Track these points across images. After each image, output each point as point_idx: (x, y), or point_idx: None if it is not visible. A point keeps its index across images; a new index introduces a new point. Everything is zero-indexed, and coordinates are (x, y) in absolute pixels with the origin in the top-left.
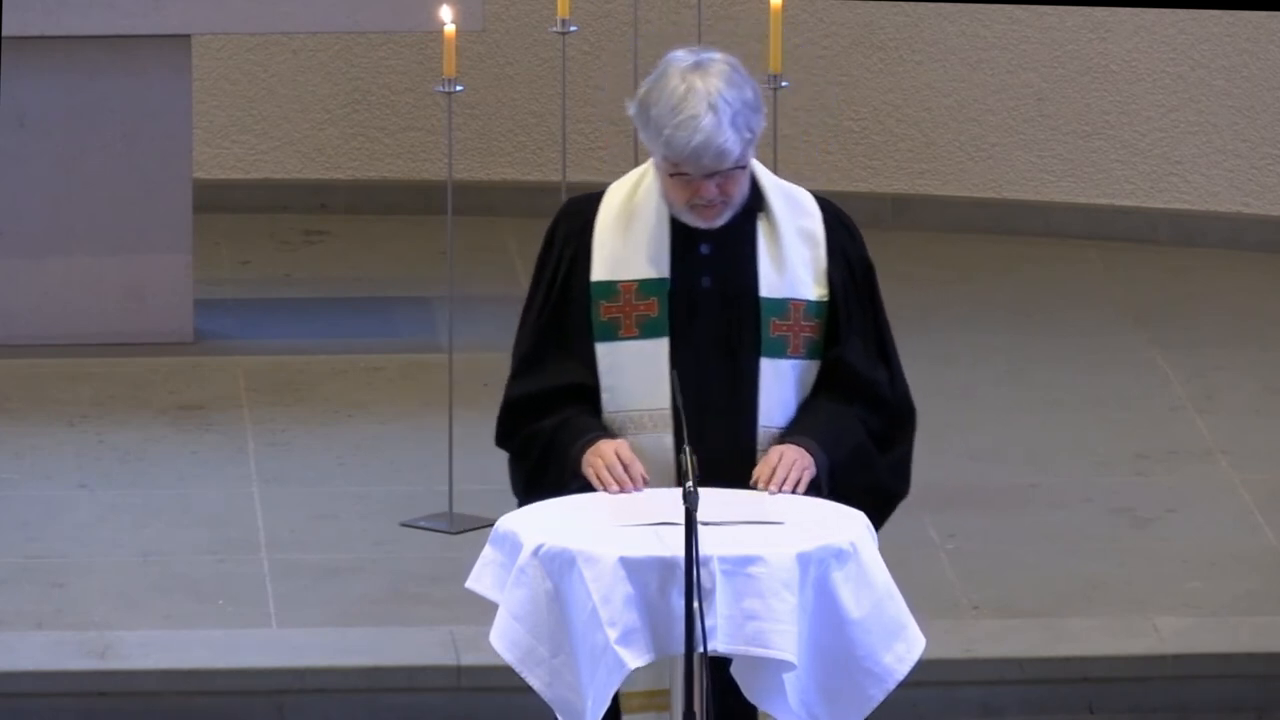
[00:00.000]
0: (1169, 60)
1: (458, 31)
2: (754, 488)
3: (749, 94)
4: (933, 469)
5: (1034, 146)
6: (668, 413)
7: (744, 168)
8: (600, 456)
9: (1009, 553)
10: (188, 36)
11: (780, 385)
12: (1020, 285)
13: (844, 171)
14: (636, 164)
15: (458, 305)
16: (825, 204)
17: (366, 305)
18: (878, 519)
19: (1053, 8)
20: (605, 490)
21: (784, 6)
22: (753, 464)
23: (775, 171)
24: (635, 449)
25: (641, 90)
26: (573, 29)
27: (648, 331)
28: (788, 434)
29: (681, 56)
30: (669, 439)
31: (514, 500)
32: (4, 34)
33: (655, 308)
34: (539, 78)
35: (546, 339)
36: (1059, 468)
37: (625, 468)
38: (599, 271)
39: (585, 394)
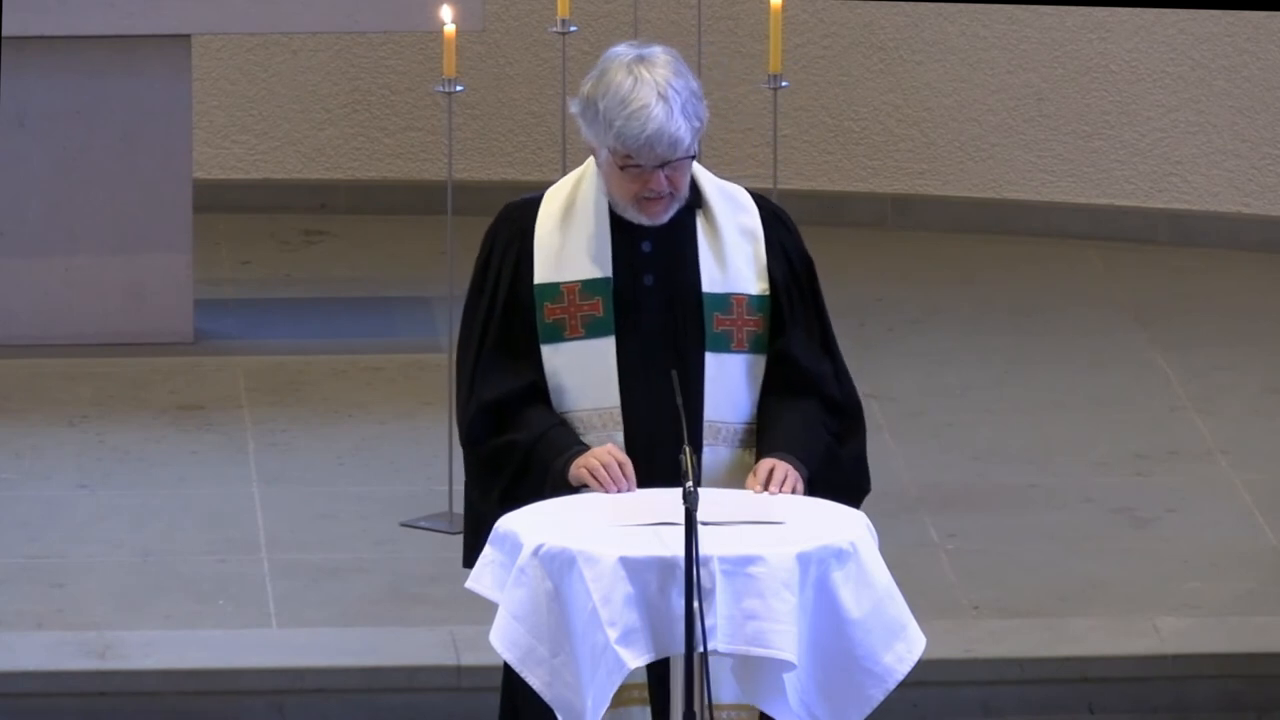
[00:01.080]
0: (1169, 60)
1: (458, 31)
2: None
3: (694, 84)
4: (933, 469)
5: (1034, 146)
6: (617, 412)
7: (692, 158)
8: (595, 457)
9: (1009, 553)
10: (188, 36)
11: (725, 379)
12: (1020, 285)
13: (844, 171)
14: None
15: (458, 305)
16: (761, 200)
17: (366, 305)
18: None
19: (1053, 8)
20: (604, 490)
21: (784, 6)
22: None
23: (776, 172)
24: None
25: (585, 86)
26: (573, 29)
27: (593, 331)
28: (763, 447)
29: (622, 51)
30: (620, 437)
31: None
32: (4, 34)
33: (600, 307)
34: (539, 78)
35: (496, 341)
36: (1059, 468)
37: (621, 468)
38: (541, 274)
39: (545, 394)
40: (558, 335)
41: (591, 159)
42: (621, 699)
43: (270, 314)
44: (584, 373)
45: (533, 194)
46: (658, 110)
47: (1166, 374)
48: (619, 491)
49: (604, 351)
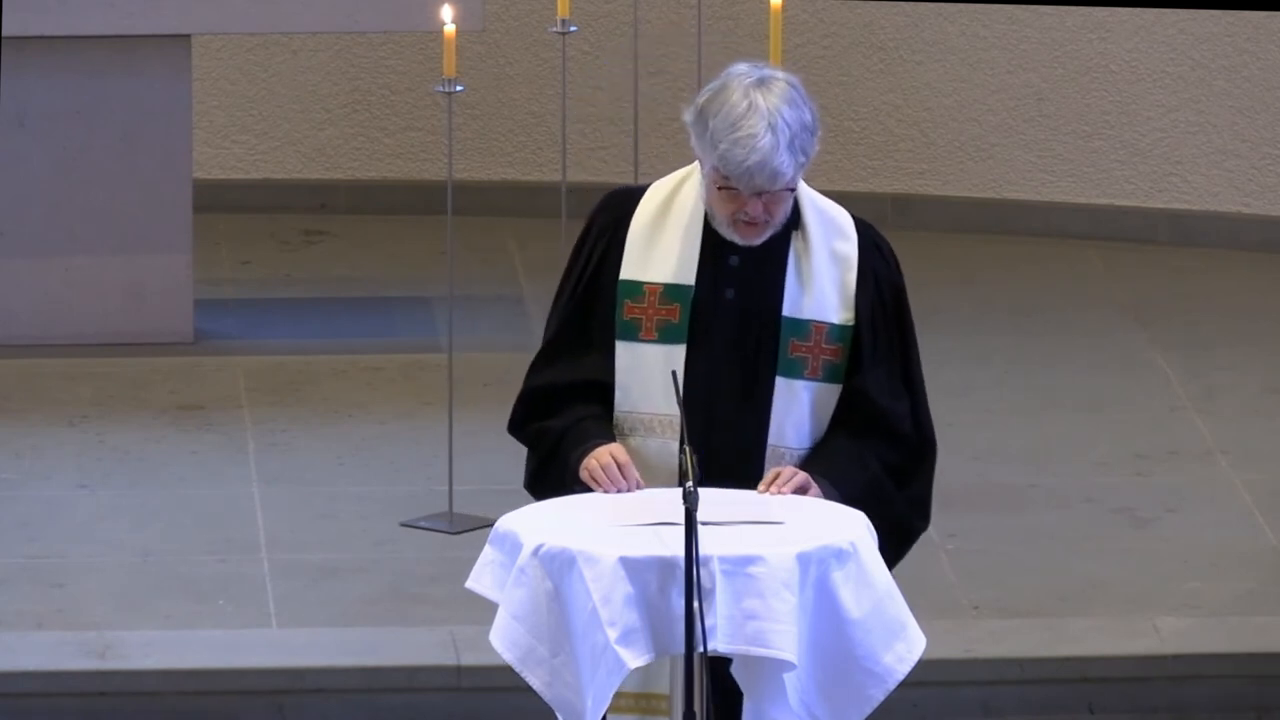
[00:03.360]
0: (1169, 60)
1: (458, 31)
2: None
3: (808, 117)
4: None
5: (1034, 146)
6: (677, 419)
7: (793, 190)
8: (596, 459)
9: (1009, 553)
10: (188, 36)
11: (793, 405)
12: (1020, 285)
13: (844, 171)
14: (637, 165)
15: (458, 305)
16: (863, 226)
17: (366, 305)
18: (894, 554)
19: (1053, 8)
20: (601, 490)
21: (784, 6)
22: (758, 479)
23: None
24: (643, 452)
25: (701, 99)
26: (573, 29)
27: (666, 337)
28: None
29: (745, 71)
30: (676, 445)
31: (513, 500)
32: (4, 34)
33: (677, 314)
34: (539, 78)
35: (571, 328)
36: (1059, 468)
37: (620, 469)
38: (628, 270)
39: (601, 391)
40: (633, 334)
41: (696, 164)
42: (615, 706)
43: (270, 314)
44: (650, 376)
45: (639, 185)
46: (764, 141)
47: (1166, 374)
48: (617, 492)
49: (672, 359)
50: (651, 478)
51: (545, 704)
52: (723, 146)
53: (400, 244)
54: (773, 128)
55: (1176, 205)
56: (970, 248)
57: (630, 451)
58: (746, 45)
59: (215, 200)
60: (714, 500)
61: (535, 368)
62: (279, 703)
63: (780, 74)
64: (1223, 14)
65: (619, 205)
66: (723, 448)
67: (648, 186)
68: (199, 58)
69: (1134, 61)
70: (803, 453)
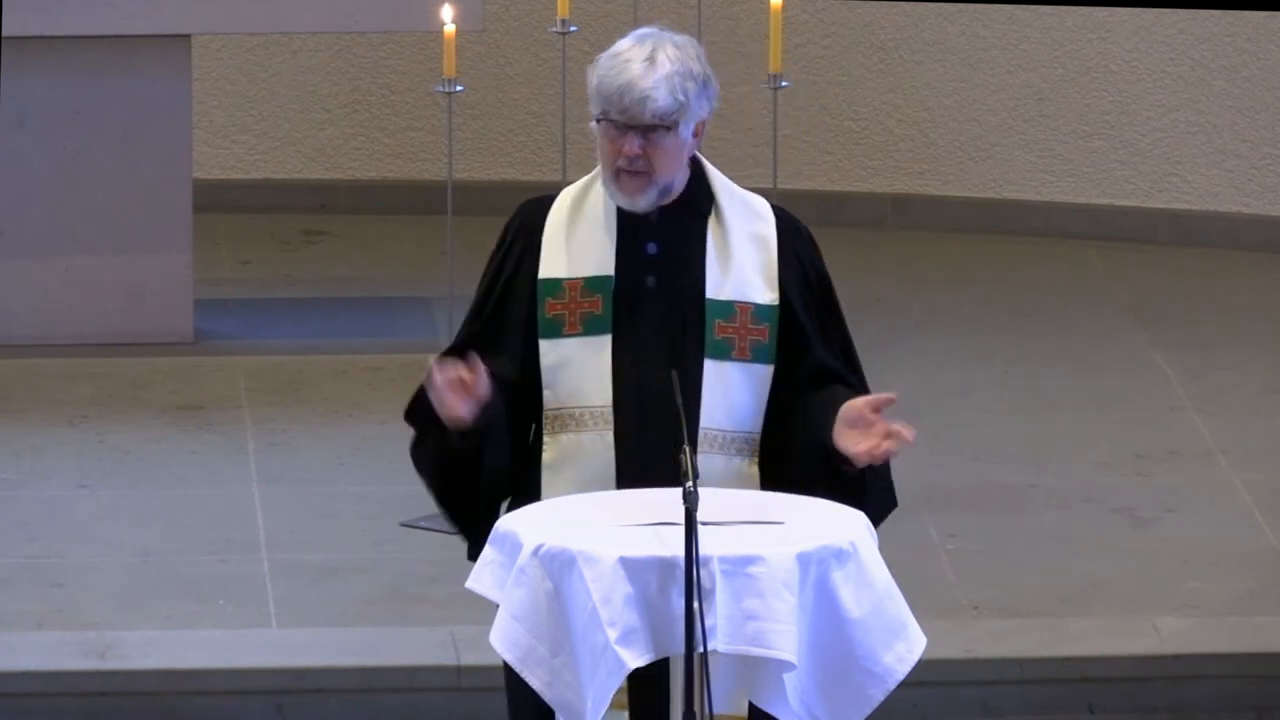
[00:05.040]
0: (1169, 60)
1: (458, 31)
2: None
3: (695, 68)
4: (933, 469)
5: (1034, 146)
6: (609, 410)
7: (670, 130)
8: (435, 388)
9: (1009, 553)
10: (188, 36)
11: (724, 387)
12: (1020, 285)
13: (844, 171)
14: None
15: (458, 305)
16: (781, 211)
17: (366, 305)
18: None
19: (1053, 8)
20: (450, 409)
21: (784, 6)
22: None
23: (775, 172)
24: (577, 448)
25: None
26: (573, 29)
27: (590, 329)
28: (829, 408)
29: (647, 28)
30: (610, 436)
31: (513, 500)
32: (4, 34)
33: (600, 305)
34: (539, 78)
35: (479, 333)
36: (1059, 468)
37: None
38: (546, 268)
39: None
40: (556, 330)
41: None
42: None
43: (270, 314)
44: (579, 369)
45: (550, 193)
46: (637, 66)
47: (1166, 374)
48: (466, 400)
49: (600, 349)
50: (587, 472)
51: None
52: (599, 73)
53: (400, 244)
54: (650, 59)
55: (1176, 205)
56: (970, 248)
57: (564, 449)
58: (746, 45)
59: (215, 200)
60: (714, 500)
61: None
62: (279, 703)
63: (687, 38)
64: (1223, 14)
65: (533, 212)
66: (657, 435)
67: (558, 193)
68: (199, 58)
69: (1134, 61)
70: (737, 434)
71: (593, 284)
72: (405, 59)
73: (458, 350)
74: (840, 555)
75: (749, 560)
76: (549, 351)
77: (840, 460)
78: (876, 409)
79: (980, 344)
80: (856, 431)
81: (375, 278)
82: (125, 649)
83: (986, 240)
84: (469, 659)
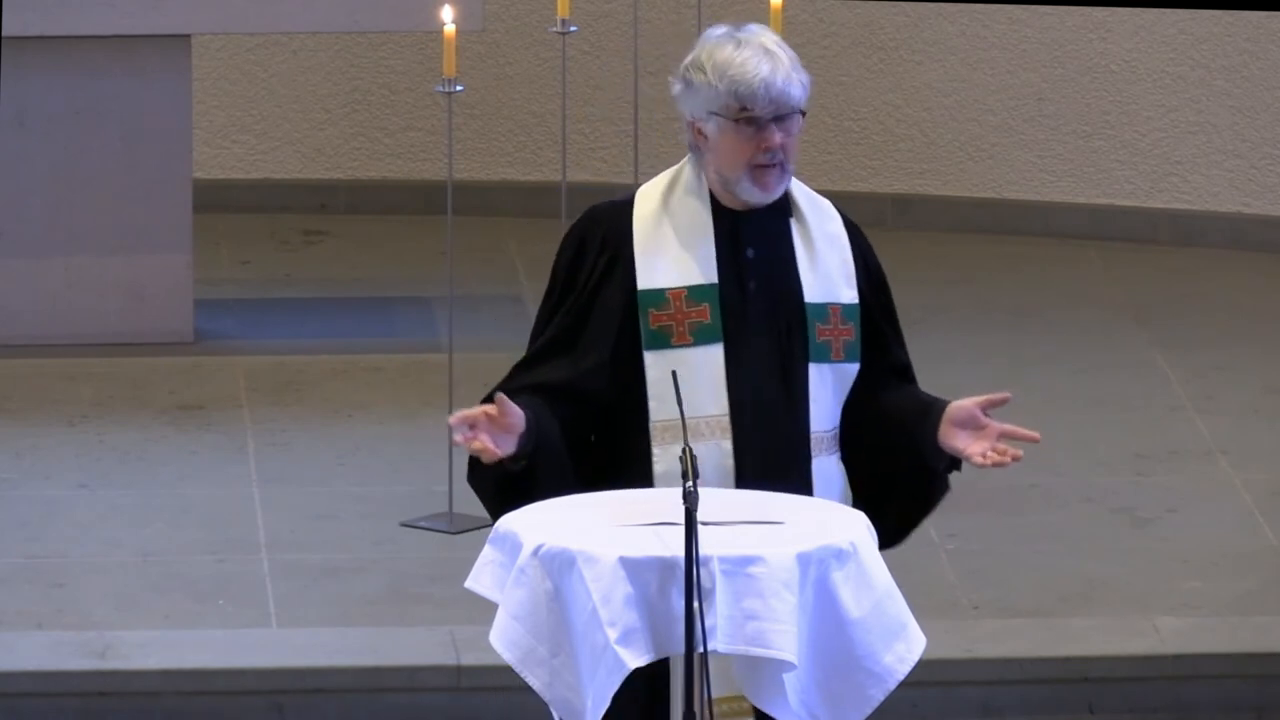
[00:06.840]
0: (1169, 60)
1: (458, 31)
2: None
3: (792, 52)
4: None
5: (1034, 146)
6: (725, 419)
7: (804, 116)
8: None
9: (1009, 553)
10: (188, 36)
11: (825, 390)
12: (1020, 285)
13: (844, 171)
14: (636, 165)
15: (458, 305)
16: (840, 209)
17: (366, 305)
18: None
19: (1053, 8)
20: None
21: (784, 6)
22: (807, 471)
23: None
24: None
25: (684, 64)
26: (573, 29)
27: (702, 338)
28: (933, 414)
29: (718, 29)
30: (728, 444)
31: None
32: (4, 34)
33: (707, 314)
34: (539, 78)
35: (559, 343)
36: (1059, 468)
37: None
38: (646, 279)
39: (562, 394)
40: (664, 342)
41: (684, 162)
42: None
43: (270, 314)
44: (692, 380)
45: (620, 197)
46: (767, 61)
47: (1166, 374)
48: (491, 444)
49: (713, 358)
50: (705, 482)
51: (545, 703)
52: (731, 73)
53: (400, 244)
54: (770, 53)
55: (1176, 205)
56: (970, 248)
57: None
58: None
59: (215, 200)
60: (714, 500)
61: (511, 374)
62: (279, 703)
63: (754, 24)
64: (1223, 14)
65: (611, 218)
66: (771, 441)
67: (631, 198)
68: (199, 58)
69: (1134, 61)
70: (830, 433)
71: (697, 293)
72: (405, 59)
73: (538, 359)
74: (840, 555)
75: (749, 560)
76: (656, 363)
77: (938, 459)
78: (986, 409)
79: (980, 344)
80: (967, 432)
81: (375, 278)
82: (125, 649)
83: (986, 240)
84: (469, 659)
